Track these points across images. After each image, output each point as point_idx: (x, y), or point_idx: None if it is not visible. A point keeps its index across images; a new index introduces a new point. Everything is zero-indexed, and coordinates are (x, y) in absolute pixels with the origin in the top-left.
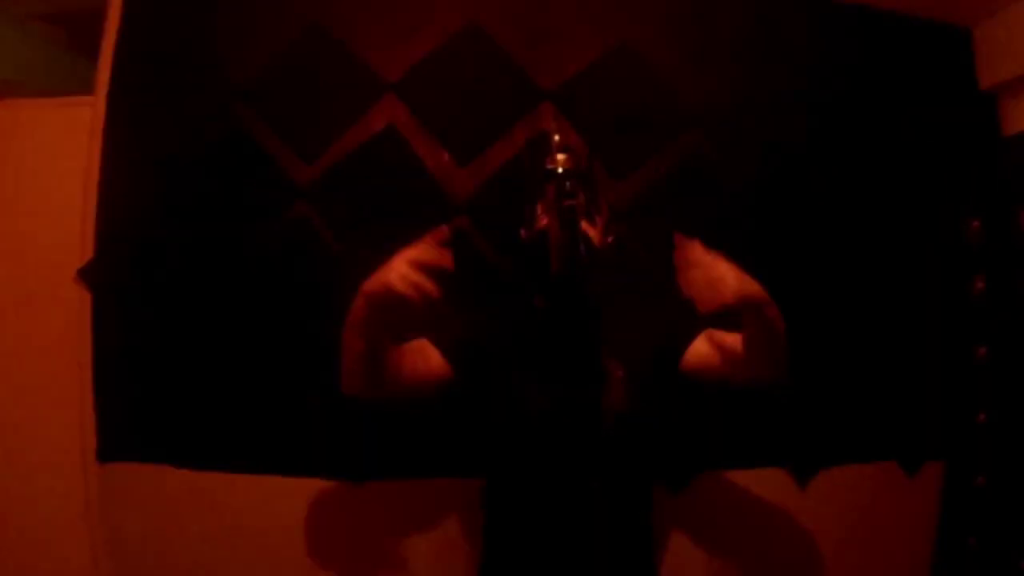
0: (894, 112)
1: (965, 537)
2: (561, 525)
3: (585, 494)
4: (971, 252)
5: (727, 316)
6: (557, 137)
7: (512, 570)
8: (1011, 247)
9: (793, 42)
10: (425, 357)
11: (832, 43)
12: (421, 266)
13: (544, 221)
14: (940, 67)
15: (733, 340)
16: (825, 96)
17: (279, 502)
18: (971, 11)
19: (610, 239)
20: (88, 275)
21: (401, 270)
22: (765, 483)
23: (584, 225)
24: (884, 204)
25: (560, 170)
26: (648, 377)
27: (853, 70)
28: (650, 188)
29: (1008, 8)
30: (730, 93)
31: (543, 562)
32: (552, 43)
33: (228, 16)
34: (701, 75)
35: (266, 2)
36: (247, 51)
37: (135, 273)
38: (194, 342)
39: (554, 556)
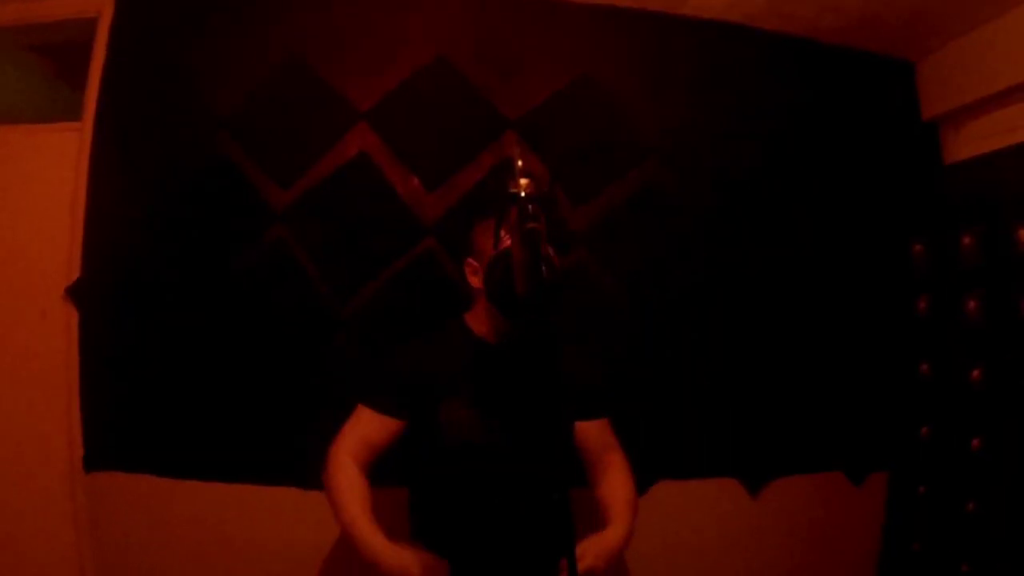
0: (842, 141)
1: (909, 542)
2: (486, 530)
3: (506, 506)
4: (915, 274)
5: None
6: (520, 163)
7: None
8: (952, 269)
9: (744, 73)
10: (376, 432)
11: (782, 76)
12: None
13: (507, 243)
14: (885, 99)
15: (612, 486)
16: (777, 125)
17: (260, 511)
18: (915, 46)
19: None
20: (75, 293)
21: None
22: (718, 492)
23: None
24: (832, 228)
25: (523, 194)
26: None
27: (802, 101)
28: (610, 213)
29: (950, 43)
30: (686, 123)
31: (469, 563)
32: (516, 75)
33: (210, 47)
34: (658, 106)
35: (247, 34)
36: (229, 81)
37: (121, 292)
38: (177, 357)
39: (479, 557)
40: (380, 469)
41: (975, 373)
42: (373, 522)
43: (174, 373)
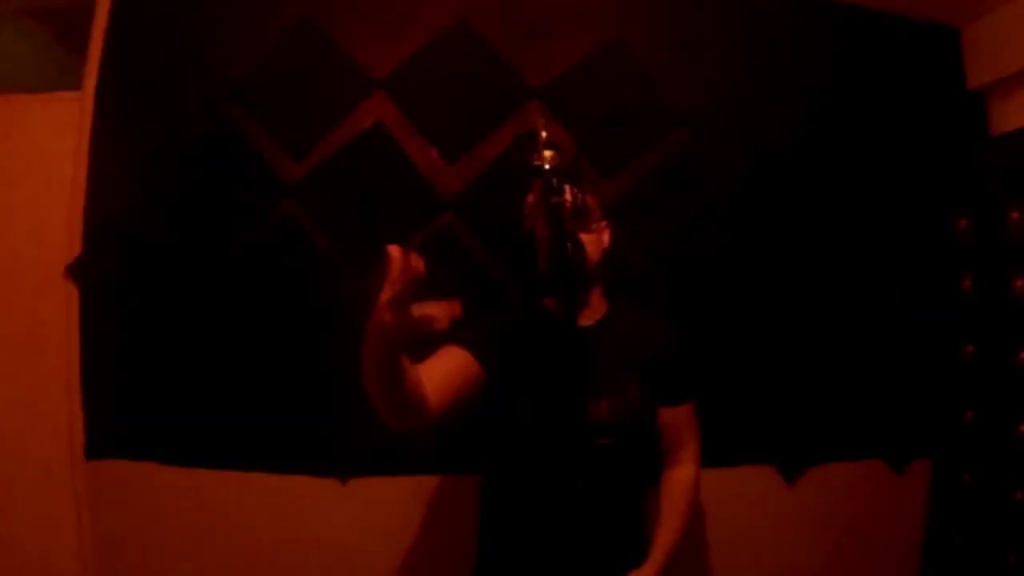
0: (882, 111)
1: (953, 533)
2: (553, 524)
3: (575, 496)
4: (959, 251)
5: None
6: (544, 134)
7: (507, 564)
8: (999, 246)
9: (781, 41)
10: (458, 365)
11: (820, 42)
12: (403, 295)
13: (531, 219)
14: (928, 66)
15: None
16: (813, 95)
17: (266, 499)
18: (960, 11)
19: (607, 240)
20: (76, 271)
21: (390, 313)
22: (754, 480)
23: (575, 227)
24: (872, 202)
25: (547, 167)
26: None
27: (841, 69)
28: (638, 185)
29: (997, 8)
30: (718, 91)
31: (536, 559)
32: (541, 41)
33: (217, 12)
34: (689, 73)
35: None
36: (236, 47)
37: (123, 269)
38: (182, 339)
39: (546, 554)
40: (395, 457)
41: (1022, 355)
42: None
43: (179, 356)
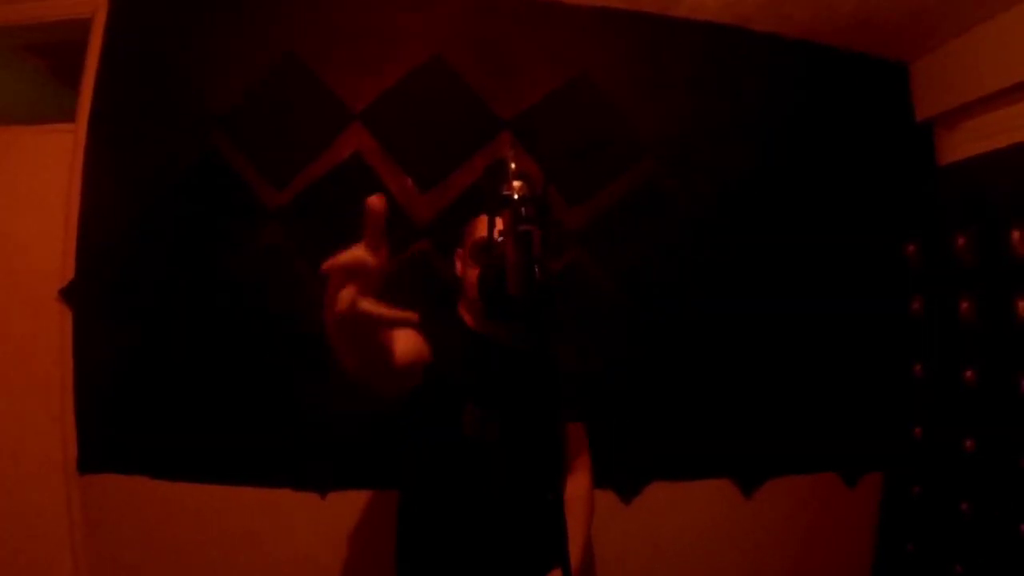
0: (836, 142)
1: (904, 543)
2: (473, 536)
3: (497, 506)
4: (909, 274)
5: None
6: (513, 165)
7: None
8: (946, 270)
9: (740, 74)
10: (412, 338)
11: (777, 77)
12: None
13: (500, 246)
14: (879, 99)
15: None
16: (771, 125)
17: (256, 513)
18: (909, 47)
19: (558, 265)
20: (70, 294)
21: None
22: (712, 493)
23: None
24: (827, 228)
25: (516, 196)
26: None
27: (797, 102)
28: (605, 213)
29: (943, 45)
30: (682, 123)
31: (455, 564)
32: (512, 75)
33: (205, 46)
34: (654, 106)
35: (242, 33)
36: (224, 80)
37: (115, 292)
38: (172, 358)
39: (466, 554)
40: (371, 472)
41: (968, 374)
42: None
43: (169, 374)
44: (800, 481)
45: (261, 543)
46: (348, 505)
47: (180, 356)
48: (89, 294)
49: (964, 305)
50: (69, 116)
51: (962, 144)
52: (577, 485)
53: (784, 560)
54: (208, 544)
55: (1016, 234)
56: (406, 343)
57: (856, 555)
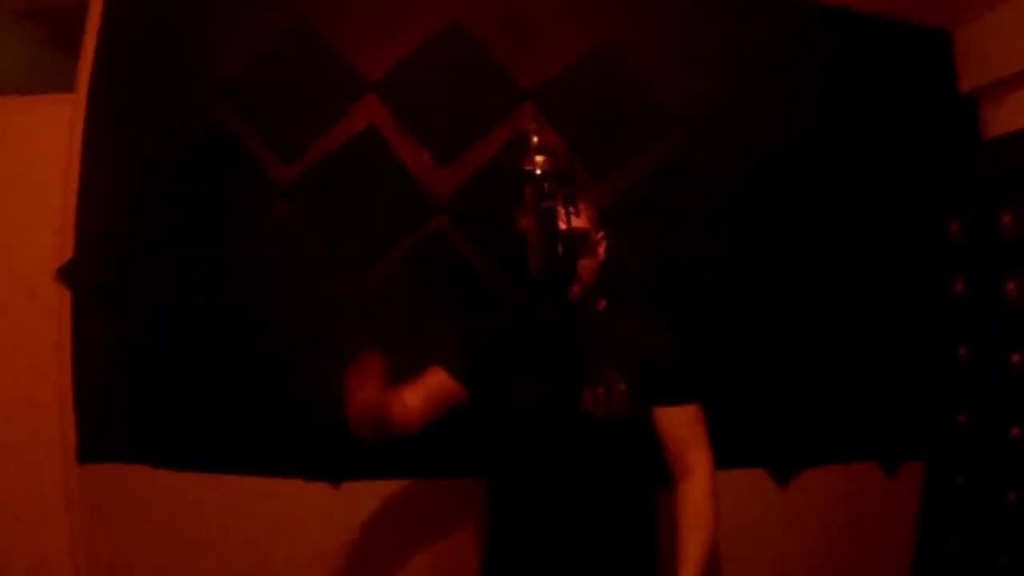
0: (875, 114)
1: (946, 535)
2: (561, 524)
3: (582, 494)
4: (952, 253)
5: None
6: (535, 139)
7: (516, 567)
8: (991, 248)
9: (775, 44)
10: (436, 387)
11: (813, 45)
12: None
13: (524, 223)
14: (921, 70)
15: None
16: (806, 97)
17: (259, 503)
18: (951, 15)
19: (602, 253)
20: (68, 274)
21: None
22: (746, 483)
23: (570, 222)
24: (866, 204)
25: (538, 172)
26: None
27: (834, 72)
28: (631, 188)
29: (988, 12)
30: (712, 93)
31: (546, 559)
32: (534, 43)
33: (212, 13)
34: (683, 76)
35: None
36: (230, 48)
37: (115, 272)
38: (175, 342)
39: (556, 554)
40: (389, 459)
41: (1015, 357)
42: None
43: (172, 358)
44: (838, 470)
45: (270, 535)
46: (363, 495)
47: (184, 340)
48: (88, 274)
49: (1010, 285)
50: (68, 86)
51: (1008, 116)
52: (694, 489)
53: (820, 553)
54: (213, 535)
55: None
56: (424, 397)
57: (896, 547)
